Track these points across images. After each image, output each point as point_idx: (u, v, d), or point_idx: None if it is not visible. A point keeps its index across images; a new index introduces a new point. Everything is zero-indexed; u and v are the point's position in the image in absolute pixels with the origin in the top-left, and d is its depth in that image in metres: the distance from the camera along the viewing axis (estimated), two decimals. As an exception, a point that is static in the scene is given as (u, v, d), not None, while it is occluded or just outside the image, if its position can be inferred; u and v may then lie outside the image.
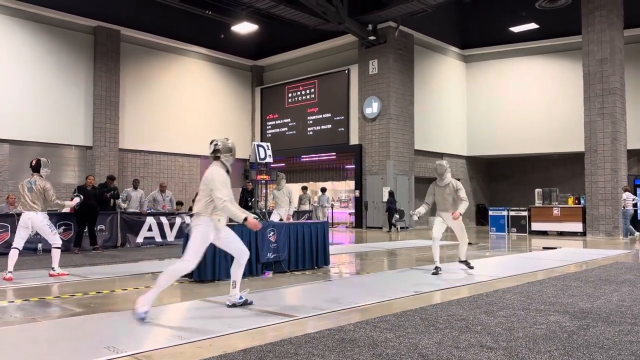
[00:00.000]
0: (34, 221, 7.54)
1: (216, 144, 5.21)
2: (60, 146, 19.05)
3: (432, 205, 8.06)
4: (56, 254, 7.66)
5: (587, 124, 16.85)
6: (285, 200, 11.57)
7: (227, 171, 5.16)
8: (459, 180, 8.20)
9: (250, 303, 5.34)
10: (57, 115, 18.82)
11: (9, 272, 7.20)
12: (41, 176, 7.77)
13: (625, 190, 15.63)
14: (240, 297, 5.32)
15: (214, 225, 4.98)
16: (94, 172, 18.47)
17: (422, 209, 7.86)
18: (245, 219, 4.88)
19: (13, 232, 10.80)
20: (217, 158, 5.18)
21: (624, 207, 15.58)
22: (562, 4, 20.22)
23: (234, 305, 5.25)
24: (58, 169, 19.07)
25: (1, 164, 17.55)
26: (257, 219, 4.99)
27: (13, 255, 7.38)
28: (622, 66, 16.96)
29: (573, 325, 4.48)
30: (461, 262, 8.08)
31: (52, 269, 7.61)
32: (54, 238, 7.70)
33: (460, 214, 7.55)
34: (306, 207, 17.33)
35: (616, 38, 16.59)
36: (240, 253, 5.23)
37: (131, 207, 13.27)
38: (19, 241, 7.52)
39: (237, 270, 5.27)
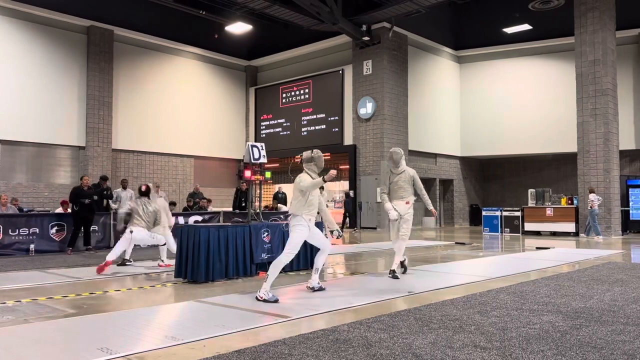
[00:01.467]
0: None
1: (301, 155, 6.20)
2: (53, 146, 18.95)
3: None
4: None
5: (580, 124, 16.95)
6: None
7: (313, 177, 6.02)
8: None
9: (324, 289, 6.27)
10: (50, 116, 18.72)
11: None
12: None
13: (591, 192, 15.83)
14: (318, 283, 6.30)
15: (306, 223, 5.88)
16: (87, 172, 18.39)
17: (389, 205, 7.38)
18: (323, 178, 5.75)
19: (6, 232, 10.75)
20: (301, 170, 6.17)
21: (590, 207, 15.75)
22: (555, 6, 20.35)
23: (312, 289, 6.23)
24: (51, 170, 18.98)
25: (-7, 164, 17.43)
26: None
27: None
28: (614, 67, 17.08)
29: (566, 325, 4.51)
30: (392, 271, 7.36)
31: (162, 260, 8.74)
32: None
33: (435, 211, 7.57)
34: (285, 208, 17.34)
35: (608, 39, 16.71)
36: (325, 245, 6.26)
37: (121, 208, 13.18)
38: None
39: (321, 257, 6.28)
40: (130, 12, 20.78)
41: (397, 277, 7.22)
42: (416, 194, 7.54)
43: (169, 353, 3.74)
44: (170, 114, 22.31)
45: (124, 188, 13.65)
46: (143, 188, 8.72)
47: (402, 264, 7.65)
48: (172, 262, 8.09)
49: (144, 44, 21.53)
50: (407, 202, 7.37)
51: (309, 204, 5.91)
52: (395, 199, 7.43)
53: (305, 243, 8.32)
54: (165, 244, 8.80)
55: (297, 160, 6.15)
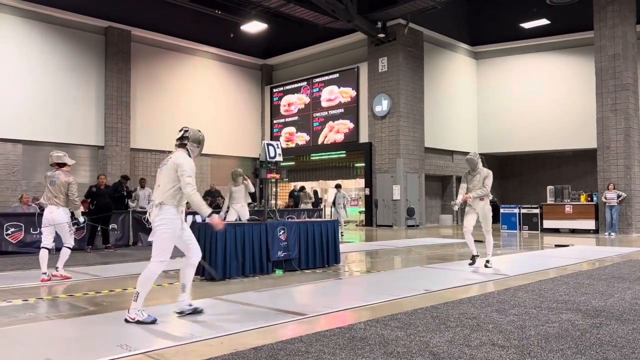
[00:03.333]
0: (54, 217, 7.25)
1: (186, 131, 4.88)
2: (72, 146, 19.21)
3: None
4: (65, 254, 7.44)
5: (600, 120, 16.69)
6: (242, 196, 11.11)
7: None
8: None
9: (201, 311, 4.85)
10: (69, 116, 18.99)
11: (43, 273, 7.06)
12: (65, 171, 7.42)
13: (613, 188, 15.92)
14: (190, 305, 4.86)
15: (179, 217, 4.60)
16: (105, 171, 18.63)
17: (460, 199, 8.18)
18: (210, 215, 4.56)
19: (27, 231, 10.94)
20: (182, 145, 4.86)
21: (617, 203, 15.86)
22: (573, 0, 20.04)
23: (182, 313, 4.80)
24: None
25: (14, 164, 17.74)
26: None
27: (43, 256, 7.16)
28: (634, 61, 16.79)
29: (586, 323, 4.45)
30: (488, 262, 8.30)
31: (56, 268, 7.35)
32: (70, 238, 7.53)
33: (470, 197, 7.95)
34: (308, 206, 17.44)
35: (629, 33, 16.42)
36: (194, 252, 4.88)
37: (139, 206, 13.41)
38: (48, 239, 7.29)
39: (190, 271, 4.90)
40: (147, 13, 20.97)
41: (488, 267, 8.11)
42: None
43: (187, 350, 3.78)
44: (187, 113, 22.47)
45: (142, 187, 13.88)
46: None
47: (473, 257, 8.22)
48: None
49: (160, 44, 21.72)
50: (482, 199, 8.04)
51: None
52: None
53: (320, 239, 8.42)
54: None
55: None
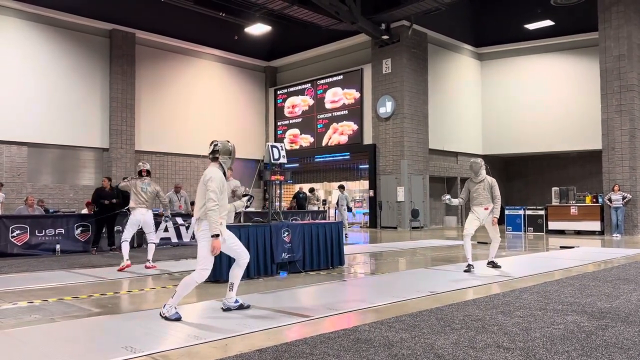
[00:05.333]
0: (147, 219, 8.63)
1: (216, 145, 5.11)
2: (77, 148, 19.31)
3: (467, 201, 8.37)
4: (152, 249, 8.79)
5: (605, 121, 16.63)
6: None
7: (224, 173, 5.09)
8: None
9: (247, 307, 5.21)
10: (74, 118, 19.07)
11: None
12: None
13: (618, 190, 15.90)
14: (236, 301, 5.21)
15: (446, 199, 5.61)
16: (110, 173, 18.69)
17: (456, 201, 8.17)
18: (215, 236, 4.78)
19: (32, 233, 10.99)
20: (215, 159, 5.10)
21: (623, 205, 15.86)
22: (577, 0, 19.98)
23: (228, 309, 5.14)
24: (75, 171, 19.35)
25: (19, 166, 17.82)
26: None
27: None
28: (640, 62, 16.72)
29: (591, 325, 4.43)
30: (489, 263, 8.38)
31: (148, 261, 8.67)
32: (155, 235, 8.90)
33: (496, 219, 7.91)
34: (314, 208, 17.49)
35: (633, 34, 16.36)
36: (242, 254, 5.19)
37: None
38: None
39: (238, 272, 5.21)
40: (151, 15, 21.04)
41: (490, 267, 8.21)
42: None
43: (192, 352, 3.78)
44: (192, 115, 22.54)
45: (177, 192, 14.18)
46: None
47: (469, 266, 8.00)
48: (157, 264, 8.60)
49: (165, 47, 21.79)
50: (486, 208, 7.95)
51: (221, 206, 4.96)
52: (475, 205, 8.06)
53: (324, 241, 8.42)
54: (154, 243, 8.83)
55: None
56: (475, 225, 8.01)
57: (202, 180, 4.94)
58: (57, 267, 9.03)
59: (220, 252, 4.94)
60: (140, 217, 8.54)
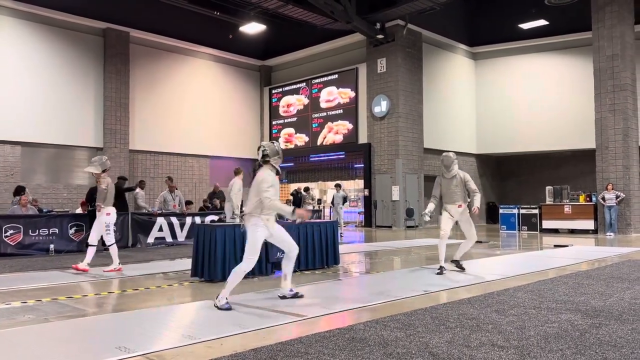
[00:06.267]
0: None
1: (264, 150, 5.54)
2: (71, 148, 19.21)
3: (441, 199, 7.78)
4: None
5: (598, 120, 16.71)
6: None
7: (277, 173, 5.59)
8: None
9: (301, 296, 5.70)
10: (68, 117, 18.98)
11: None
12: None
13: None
14: (291, 290, 5.72)
15: (264, 224, 5.38)
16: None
17: (431, 206, 7.64)
18: (294, 211, 5.36)
19: (26, 233, 10.93)
20: (266, 162, 5.53)
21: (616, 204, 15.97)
22: (571, 0, 20.06)
23: (284, 297, 5.65)
24: (69, 171, 19.25)
25: (13, 166, 17.72)
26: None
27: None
28: (633, 62, 16.81)
29: (585, 323, 4.45)
30: (453, 261, 7.88)
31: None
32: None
33: (478, 208, 7.43)
34: (309, 207, 17.51)
35: (627, 33, 16.44)
36: (290, 247, 5.65)
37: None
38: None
39: (288, 263, 5.71)
40: (145, 14, 20.96)
41: (456, 269, 7.72)
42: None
43: (187, 352, 3.77)
44: (186, 115, 22.47)
45: (142, 188, 13.99)
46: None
47: (441, 268, 7.56)
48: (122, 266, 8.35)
49: (159, 46, 21.71)
50: (460, 206, 7.50)
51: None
52: (449, 203, 7.58)
53: (319, 240, 8.42)
54: (113, 244, 8.32)
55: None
56: (450, 225, 7.60)
57: (255, 182, 5.45)
58: (51, 267, 8.99)
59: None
60: (106, 217, 8.27)
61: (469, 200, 7.61)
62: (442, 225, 7.64)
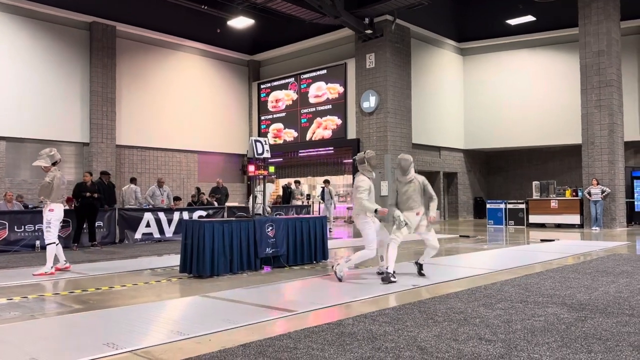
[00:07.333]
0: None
1: (354, 160, 6.83)
2: (57, 143, 18.99)
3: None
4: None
5: (584, 116, 16.87)
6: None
7: (370, 177, 6.74)
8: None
9: (395, 282, 6.42)
10: (53, 112, 18.75)
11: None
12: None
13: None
14: (387, 268, 6.57)
15: (371, 219, 6.62)
16: (91, 168, 18.44)
17: (398, 211, 6.79)
18: (376, 210, 6.50)
19: (11, 229, 10.81)
20: (359, 170, 6.81)
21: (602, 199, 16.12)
22: (558, -4, 20.18)
23: (381, 274, 6.78)
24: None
25: (-2, 162, 17.49)
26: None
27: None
28: (618, 58, 16.97)
29: (571, 317, 4.50)
30: (417, 263, 7.11)
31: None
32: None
33: (434, 217, 6.82)
34: (298, 202, 17.52)
35: (613, 30, 16.59)
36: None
37: (129, 203, 13.64)
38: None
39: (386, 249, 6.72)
40: (132, 8, 20.75)
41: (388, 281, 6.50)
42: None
43: (175, 348, 3.76)
44: (174, 110, 22.32)
45: (135, 184, 14.05)
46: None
47: (420, 266, 7.05)
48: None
49: (146, 40, 21.51)
50: (418, 213, 6.76)
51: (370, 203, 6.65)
52: (405, 210, 6.77)
53: (308, 236, 8.44)
54: (52, 244, 7.59)
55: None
56: (405, 234, 6.74)
57: (354, 187, 6.73)
58: (37, 263, 8.89)
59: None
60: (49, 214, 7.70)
61: (431, 203, 6.83)
62: (400, 232, 6.74)
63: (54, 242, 7.61)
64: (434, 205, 6.80)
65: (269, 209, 9.02)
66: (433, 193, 6.86)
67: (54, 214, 7.69)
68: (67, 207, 12.71)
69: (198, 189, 18.25)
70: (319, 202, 19.08)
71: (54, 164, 7.85)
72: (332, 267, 6.49)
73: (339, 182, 23.43)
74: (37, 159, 7.90)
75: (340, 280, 6.53)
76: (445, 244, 11.80)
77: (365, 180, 6.64)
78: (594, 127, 16.62)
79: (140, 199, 14.16)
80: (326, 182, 17.44)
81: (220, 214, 14.42)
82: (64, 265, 7.86)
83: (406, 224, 6.72)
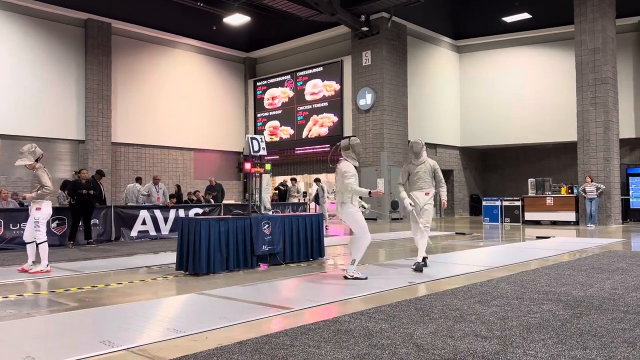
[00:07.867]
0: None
1: (338, 145, 6.57)
2: (52, 140, 18.93)
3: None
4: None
5: (580, 113, 16.91)
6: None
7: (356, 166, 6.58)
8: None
9: (420, 270, 6.75)
10: (49, 110, 18.69)
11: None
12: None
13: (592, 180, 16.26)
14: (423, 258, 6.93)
15: (359, 206, 6.56)
16: (87, 166, 18.39)
17: (403, 193, 7.38)
18: (370, 192, 6.47)
19: (6, 227, 10.77)
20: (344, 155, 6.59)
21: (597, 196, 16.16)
22: (554, -6, 20.21)
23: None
24: (51, 164, 18.94)
25: (-7, 159, 17.42)
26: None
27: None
28: (614, 55, 17.01)
29: (566, 313, 4.52)
30: (423, 259, 7.26)
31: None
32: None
33: (446, 202, 7.43)
34: (294, 200, 17.54)
35: (608, 27, 16.62)
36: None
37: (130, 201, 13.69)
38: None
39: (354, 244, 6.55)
40: (127, 5, 20.67)
41: (421, 270, 6.94)
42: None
43: (171, 345, 3.75)
44: (170, 107, 22.26)
45: (140, 183, 14.09)
46: None
47: (424, 259, 7.25)
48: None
49: (142, 37, 21.44)
50: (427, 193, 7.31)
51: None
52: (415, 190, 7.37)
53: (305, 233, 8.43)
54: (43, 242, 7.50)
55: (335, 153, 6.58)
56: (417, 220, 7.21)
57: (338, 173, 6.51)
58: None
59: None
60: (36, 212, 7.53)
61: (441, 188, 7.38)
62: (420, 220, 7.22)
63: (45, 241, 7.54)
64: (444, 190, 7.38)
65: (269, 206, 9.04)
66: (442, 177, 7.41)
67: (41, 213, 7.53)
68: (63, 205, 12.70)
69: (178, 187, 18.28)
70: (313, 202, 19.07)
71: (37, 160, 7.60)
72: (345, 277, 6.35)
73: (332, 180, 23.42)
74: (18, 158, 7.56)
75: (365, 278, 6.30)
76: (442, 241, 11.82)
77: (351, 166, 6.49)
78: (589, 124, 16.67)
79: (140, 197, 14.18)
80: (317, 180, 17.53)
81: (217, 211, 14.40)
82: (29, 267, 7.47)
83: (413, 206, 7.25)
